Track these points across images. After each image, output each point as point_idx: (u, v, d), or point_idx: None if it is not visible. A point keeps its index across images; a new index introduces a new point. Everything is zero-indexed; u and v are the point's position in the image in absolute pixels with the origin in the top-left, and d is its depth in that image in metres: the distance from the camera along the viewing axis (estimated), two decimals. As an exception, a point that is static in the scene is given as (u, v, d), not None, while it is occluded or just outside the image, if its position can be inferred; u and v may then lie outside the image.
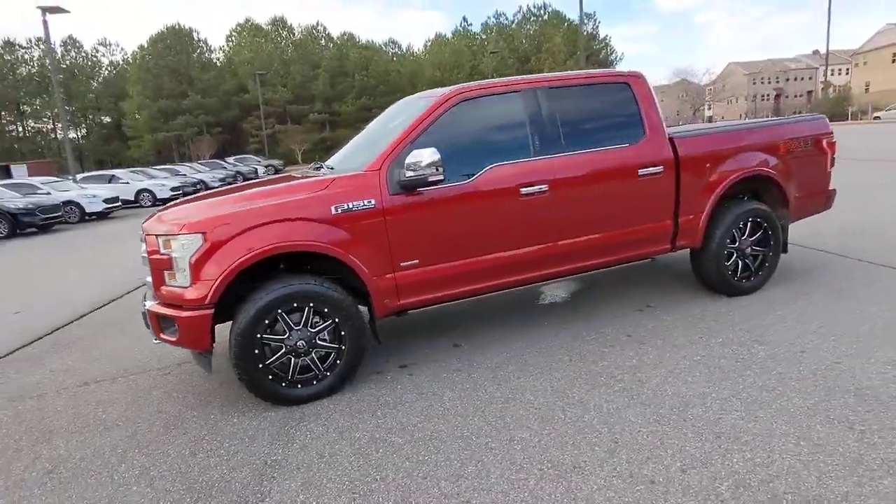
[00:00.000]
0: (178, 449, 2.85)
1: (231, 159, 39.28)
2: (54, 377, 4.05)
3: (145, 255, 3.19)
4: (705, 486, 2.17)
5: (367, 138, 3.86)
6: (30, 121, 64.32)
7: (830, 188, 4.71)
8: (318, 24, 61.42)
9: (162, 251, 3.07)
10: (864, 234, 6.05)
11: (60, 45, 61.91)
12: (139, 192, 22.16)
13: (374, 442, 2.74)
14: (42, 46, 60.80)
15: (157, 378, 3.86)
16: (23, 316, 6.01)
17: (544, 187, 3.57)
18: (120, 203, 19.47)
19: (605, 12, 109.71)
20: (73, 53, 62.85)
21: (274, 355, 3.13)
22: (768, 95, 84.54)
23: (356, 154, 3.72)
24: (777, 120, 5.06)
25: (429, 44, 67.02)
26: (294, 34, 61.92)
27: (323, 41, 62.23)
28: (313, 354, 3.22)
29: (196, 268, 2.99)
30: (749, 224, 4.26)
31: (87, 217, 17.68)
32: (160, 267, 3.09)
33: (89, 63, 62.50)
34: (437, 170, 3.15)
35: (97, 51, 64.95)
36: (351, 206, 3.19)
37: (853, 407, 2.64)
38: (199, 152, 47.54)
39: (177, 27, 58.02)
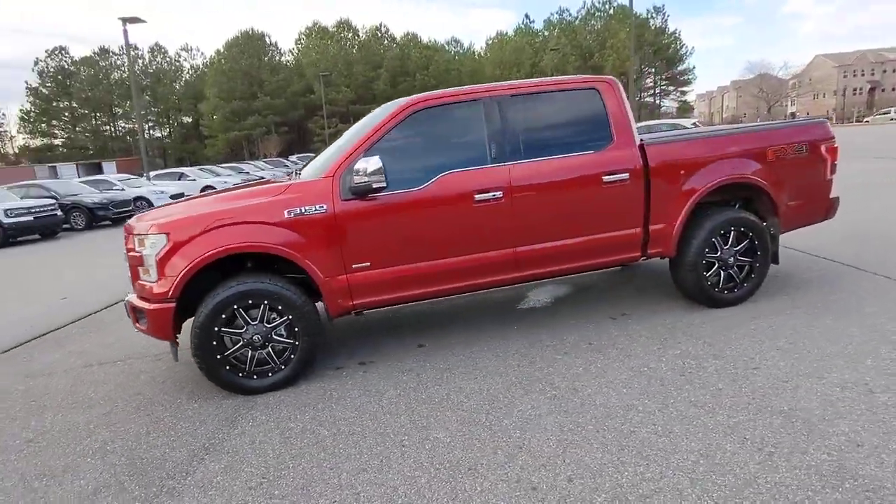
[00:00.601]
0: (137, 427, 3.16)
1: (294, 157, 41.10)
2: (67, 358, 4.54)
3: (125, 251, 3.54)
4: (583, 496, 2.20)
5: (336, 146, 4.06)
6: (121, 121, 70.01)
7: (832, 196, 4.43)
8: (380, 25, 62.85)
9: (136, 249, 3.40)
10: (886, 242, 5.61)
11: (148, 52, 67.07)
12: (204, 188, 23.67)
13: (303, 432, 2.92)
14: (133, 54, 66.06)
15: (149, 363, 4.24)
16: (68, 301, 6.69)
17: (499, 194, 3.62)
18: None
19: (684, 4, 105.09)
20: (159, 59, 67.75)
21: (231, 347, 3.39)
22: (861, 89, 78.09)
23: (324, 162, 3.93)
24: (767, 125, 4.80)
25: (490, 42, 66.93)
26: (359, 35, 63.67)
27: (386, 42, 63.62)
28: (270, 349, 3.46)
29: (161, 265, 3.30)
30: (732, 233, 4.10)
31: (155, 212, 19.10)
32: (135, 263, 3.42)
33: (172, 67, 67.02)
34: (380, 177, 3.30)
35: (180, 55, 69.73)
36: (303, 210, 3.39)
37: (775, 428, 2.54)
38: (267, 151, 50.03)
39: (250, 32, 61.19)
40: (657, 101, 68.47)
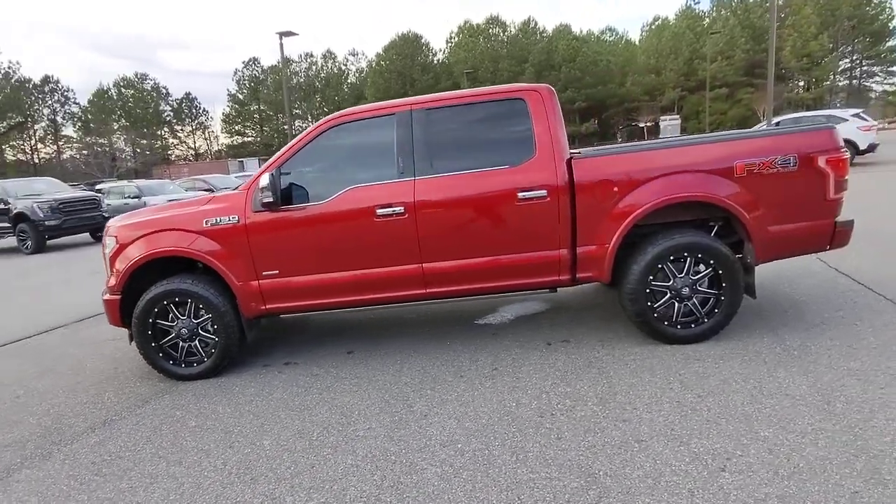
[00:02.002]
0: (89, 396, 3.79)
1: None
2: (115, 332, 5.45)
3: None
4: (309, 525, 2.20)
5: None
6: (296, 122, 79.39)
7: (839, 220, 3.57)
8: (529, 19, 62.22)
9: (105, 248, 4.05)
10: None
11: (321, 57, 74.99)
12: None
13: (173, 421, 3.27)
14: (308, 61, 74.47)
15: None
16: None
17: (401, 209, 3.60)
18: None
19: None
20: (329, 63, 75.33)
21: (165, 338, 3.88)
22: None
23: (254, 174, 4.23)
24: (735, 134, 3.95)
25: (645, 29, 62.46)
26: (508, 31, 63.88)
27: (536, 35, 62.91)
28: (196, 342, 3.89)
29: (111, 263, 3.91)
30: (688, 260, 3.55)
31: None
32: (105, 260, 4.09)
33: (337, 71, 73.91)
34: (268, 193, 3.51)
35: (347, 60, 76.76)
36: (218, 220, 3.74)
37: (561, 487, 2.24)
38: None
39: (407, 34, 64.91)
40: (858, 84, 57.71)
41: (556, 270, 3.66)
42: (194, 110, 77.22)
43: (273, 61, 75.95)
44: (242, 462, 2.73)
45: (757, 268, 3.67)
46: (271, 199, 3.53)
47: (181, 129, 76.56)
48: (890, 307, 3.95)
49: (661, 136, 36.93)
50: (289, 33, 25.67)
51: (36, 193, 14.66)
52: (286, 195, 3.69)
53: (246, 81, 75.02)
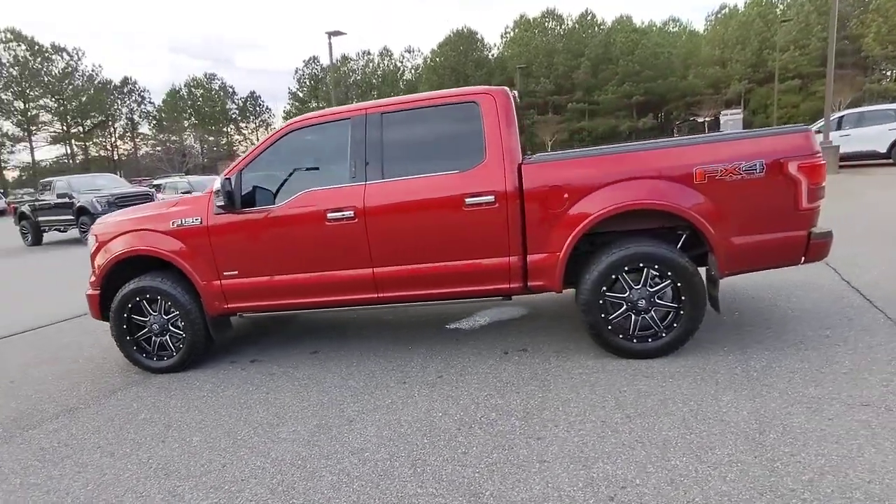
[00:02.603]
0: (70, 384, 4.05)
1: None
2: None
3: (93, 247, 4.51)
4: (192, 524, 2.26)
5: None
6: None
7: (815, 231, 3.27)
8: (587, 11, 60.53)
9: (89, 246, 4.31)
10: None
11: (377, 55, 76.23)
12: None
13: (128, 412, 3.43)
14: (365, 59, 75.90)
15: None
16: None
17: (350, 213, 3.61)
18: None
19: None
20: (385, 61, 76.44)
21: (139, 332, 4.09)
22: None
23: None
24: (697, 138, 3.63)
25: (711, 18, 59.32)
26: (564, 24, 62.48)
27: (594, 28, 61.19)
28: (167, 337, 4.08)
29: (92, 261, 4.15)
30: (645, 271, 3.36)
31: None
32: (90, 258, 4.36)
33: (393, 68, 74.84)
34: (218, 197, 3.61)
35: (403, 57, 77.58)
36: (183, 221, 3.89)
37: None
38: (463, 143, 52.81)
39: (462, 30, 64.80)
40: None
41: (506, 278, 3.56)
42: (258, 108, 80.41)
43: (333, 59, 78.17)
44: (166, 457, 2.84)
45: (759, 276, 3.43)
46: (223, 203, 3.64)
47: (245, 127, 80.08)
48: (886, 328, 3.59)
49: (720, 132, 35.05)
50: (337, 33, 26.26)
51: (97, 189, 15.79)
52: (248, 198, 3.79)
53: (306, 80, 77.37)
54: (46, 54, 52.81)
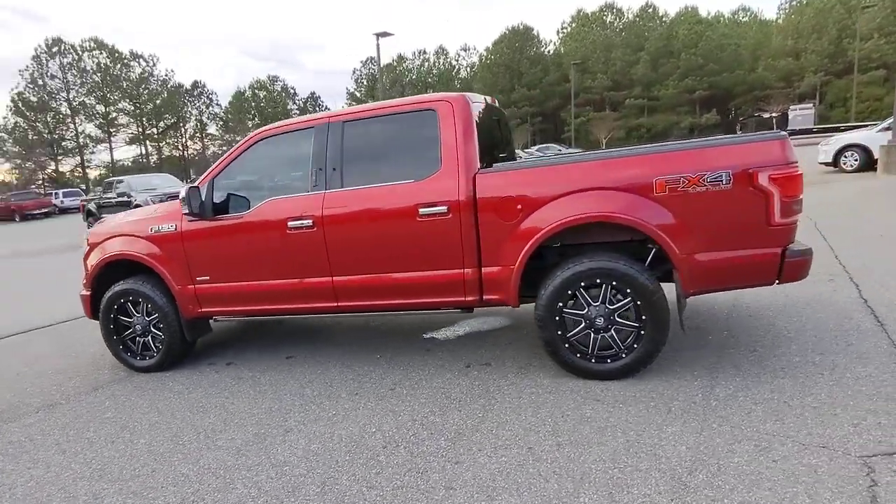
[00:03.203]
0: (63, 379, 4.30)
1: (534, 148, 42.07)
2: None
3: (92, 249, 4.75)
4: (98, 529, 2.33)
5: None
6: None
7: (790, 248, 2.96)
8: (648, 3, 58.27)
9: (83, 249, 4.55)
10: None
11: (433, 54, 76.71)
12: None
13: (97, 410, 3.59)
14: (421, 57, 76.55)
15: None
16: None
17: (310, 222, 3.61)
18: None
19: None
20: (441, 59, 76.79)
21: (125, 332, 4.28)
22: None
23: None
24: (660, 146, 3.31)
25: (783, 6, 55.58)
26: (624, 17, 60.51)
27: (655, 21, 58.88)
28: (149, 338, 4.25)
29: (84, 263, 4.38)
30: (603, 287, 3.17)
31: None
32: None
33: (448, 67, 75.02)
34: (185, 205, 3.70)
35: (459, 55, 77.66)
36: (160, 227, 4.03)
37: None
38: (514, 141, 52.34)
39: (518, 27, 64.10)
40: None
41: (462, 291, 3.45)
42: (318, 108, 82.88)
43: (389, 59, 79.31)
44: (108, 458, 2.95)
45: (767, 290, 3.19)
46: (186, 211, 3.74)
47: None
48: (884, 357, 3.22)
49: (789, 128, 32.83)
50: (385, 34, 26.60)
51: (152, 188, 16.79)
52: (221, 206, 3.88)
53: (363, 80, 78.98)
54: (125, 61, 56.68)
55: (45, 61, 51.35)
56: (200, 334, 4.32)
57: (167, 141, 68.89)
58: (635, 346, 3.18)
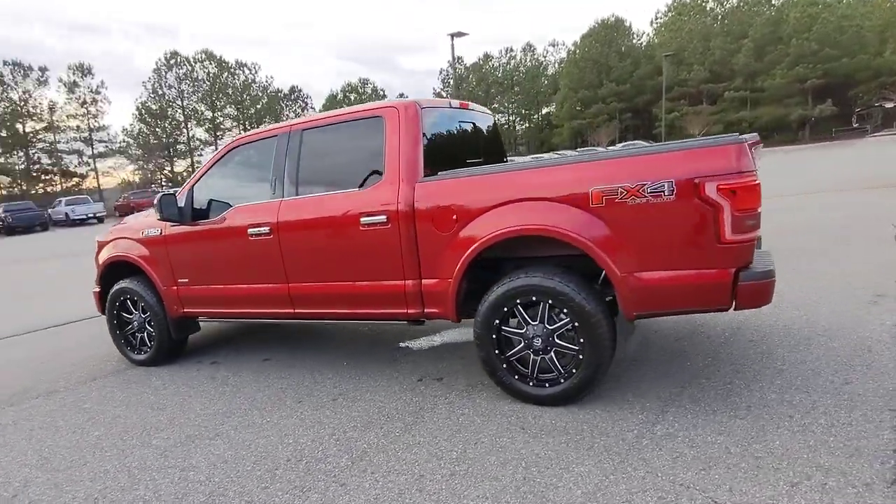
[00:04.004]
0: (72, 369, 4.72)
1: (619, 145, 40.28)
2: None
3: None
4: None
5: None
6: (499, 115, 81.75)
7: (746, 269, 2.54)
8: (753, -14, 53.50)
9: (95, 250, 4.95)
10: None
11: (520, 51, 75.79)
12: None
13: (80, 401, 3.89)
14: (507, 55, 75.92)
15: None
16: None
17: (267, 230, 3.67)
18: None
19: None
20: (528, 56, 75.71)
21: (125, 328, 4.62)
22: None
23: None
24: (593, 154, 2.87)
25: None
26: (725, 4, 56.07)
27: (761, 6, 53.97)
28: (145, 334, 4.54)
29: (96, 263, 4.77)
30: (541, 306, 2.93)
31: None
32: (102, 258, 5.00)
33: (535, 63, 73.73)
34: (157, 210, 3.89)
35: (546, 51, 76.17)
36: (149, 231, 4.28)
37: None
38: (599, 139, 50.36)
39: (608, 20, 61.57)
40: None
41: (403, 303, 3.34)
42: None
43: (475, 58, 79.48)
44: (61, 447, 3.17)
45: (792, 309, 2.85)
46: (158, 217, 3.93)
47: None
48: (882, 400, 2.69)
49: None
50: (459, 34, 26.65)
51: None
52: (202, 212, 4.05)
53: (449, 80, 79.78)
54: (231, 70, 61.49)
55: (163, 73, 57.01)
56: (187, 333, 4.54)
57: (267, 143, 73.88)
58: (574, 370, 2.91)
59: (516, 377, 3.07)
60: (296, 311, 3.76)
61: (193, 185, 4.09)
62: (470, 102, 4.11)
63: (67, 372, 4.60)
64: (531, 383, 3.03)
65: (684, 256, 2.61)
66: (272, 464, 2.72)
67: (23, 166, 49.70)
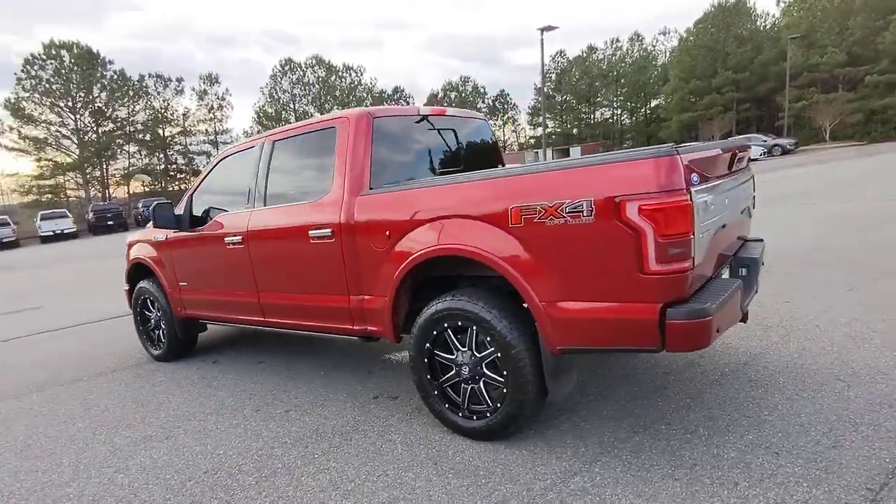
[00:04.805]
0: (94, 360, 5.21)
1: (739, 138, 36.84)
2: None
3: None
4: (-36, 499, 2.79)
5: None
6: (600, 111, 78.32)
7: (679, 308, 2.12)
8: (909, -50, 46.03)
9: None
10: None
11: (627, 41, 72.01)
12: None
13: (87, 392, 4.26)
14: (613, 46, 72.52)
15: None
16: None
17: (239, 239, 3.76)
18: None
19: None
20: (635, 47, 71.75)
21: (147, 324, 5.00)
22: None
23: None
24: (517, 168, 2.41)
25: None
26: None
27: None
28: (160, 332, 4.88)
29: (126, 261, 5.21)
30: (469, 331, 2.71)
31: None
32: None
33: (643, 54, 69.67)
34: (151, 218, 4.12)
35: (656, 40, 71.73)
36: (157, 237, 4.59)
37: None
38: (711, 131, 46.44)
39: (726, 2, 56.49)
40: None
41: (349, 319, 3.25)
42: (506, 105, 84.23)
43: (578, 51, 76.85)
44: (47, 437, 3.46)
45: (815, 348, 2.52)
46: (152, 225, 4.18)
47: (494, 123, 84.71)
48: (844, 475, 2.15)
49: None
50: (549, 28, 25.82)
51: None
52: (197, 219, 4.25)
53: (552, 74, 77.88)
54: (339, 73, 65.00)
55: (279, 79, 61.66)
56: (194, 333, 4.80)
57: (371, 142, 77.11)
58: (499, 405, 2.65)
59: (447, 405, 2.86)
60: (266, 319, 3.82)
61: (192, 193, 4.31)
62: (450, 108, 3.92)
63: (96, 363, 5.05)
64: (460, 414, 2.81)
65: (607, 287, 2.26)
66: (190, 474, 2.77)
67: (162, 167, 56.20)
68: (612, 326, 2.28)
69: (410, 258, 2.80)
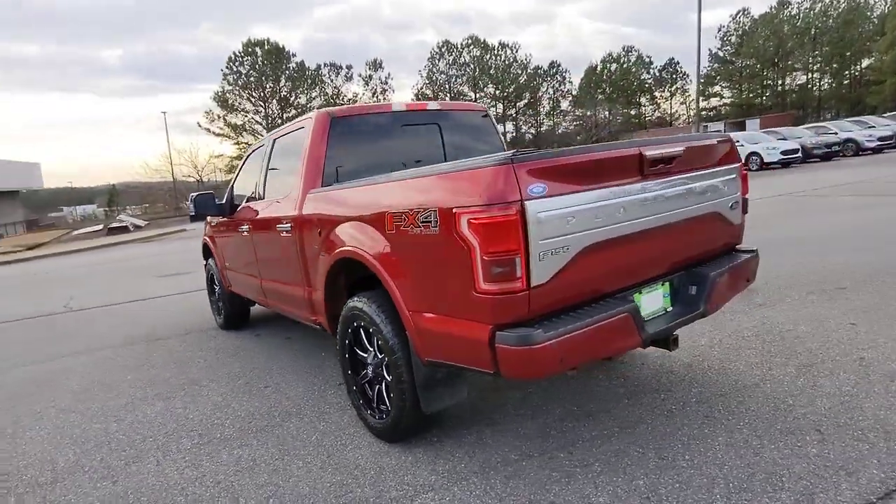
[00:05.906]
0: (167, 325, 6.15)
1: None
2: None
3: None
4: None
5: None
6: (796, 73, 67.24)
7: (511, 332, 1.90)
8: None
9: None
10: None
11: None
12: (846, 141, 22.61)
13: (143, 354, 5.10)
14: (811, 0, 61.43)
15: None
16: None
17: (247, 227, 4.17)
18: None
19: None
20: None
21: (214, 296, 5.79)
22: None
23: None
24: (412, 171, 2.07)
25: None
26: None
27: None
28: (221, 303, 5.62)
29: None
30: (370, 332, 2.74)
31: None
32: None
33: (853, 5, 58.00)
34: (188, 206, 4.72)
35: (872, -17, 59.07)
36: (211, 220, 5.25)
37: None
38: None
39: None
40: None
41: (309, 309, 3.45)
42: (675, 75, 76.70)
43: (767, 7, 66.59)
44: (55, 395, 4.03)
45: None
46: (190, 216, 4.79)
47: (660, 95, 77.78)
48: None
49: None
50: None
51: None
52: (235, 207, 4.80)
53: (730, 36, 68.86)
54: (494, 51, 65.16)
55: (436, 60, 63.90)
56: (241, 307, 5.39)
57: (524, 119, 76.26)
58: (391, 409, 2.65)
59: (362, 402, 2.93)
60: (268, 302, 4.21)
61: (233, 183, 4.86)
62: (433, 102, 3.85)
63: (164, 330, 5.80)
64: (369, 412, 2.86)
65: (452, 302, 2.13)
66: (128, 440, 3.15)
67: (332, 147, 62.15)
68: (456, 343, 2.15)
69: (331, 256, 2.89)
